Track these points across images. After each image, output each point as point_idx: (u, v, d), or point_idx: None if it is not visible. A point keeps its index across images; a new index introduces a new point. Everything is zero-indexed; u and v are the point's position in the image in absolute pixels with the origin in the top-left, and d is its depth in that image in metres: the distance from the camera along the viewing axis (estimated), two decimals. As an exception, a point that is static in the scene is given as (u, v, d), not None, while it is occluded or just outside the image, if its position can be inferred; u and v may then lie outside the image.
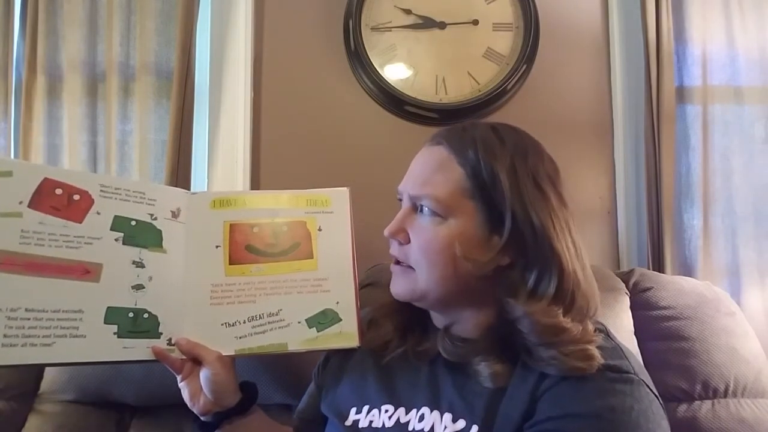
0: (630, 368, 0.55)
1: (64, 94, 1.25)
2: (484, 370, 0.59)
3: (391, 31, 1.32)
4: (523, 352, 0.58)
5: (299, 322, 0.75)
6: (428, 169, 0.64)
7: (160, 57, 1.28)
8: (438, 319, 0.68)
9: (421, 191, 0.63)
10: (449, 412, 0.59)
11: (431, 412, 0.61)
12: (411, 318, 0.71)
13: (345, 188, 0.82)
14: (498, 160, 0.60)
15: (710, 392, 0.98)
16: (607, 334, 0.62)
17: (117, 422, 0.99)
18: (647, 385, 0.55)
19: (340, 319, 0.76)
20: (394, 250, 0.67)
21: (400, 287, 0.66)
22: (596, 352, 0.55)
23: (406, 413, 0.63)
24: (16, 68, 1.24)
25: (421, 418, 0.61)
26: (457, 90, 1.32)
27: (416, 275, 0.64)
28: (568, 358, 0.54)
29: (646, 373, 0.58)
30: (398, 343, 0.70)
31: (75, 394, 0.97)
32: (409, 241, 0.64)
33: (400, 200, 0.68)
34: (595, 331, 0.59)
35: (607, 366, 0.54)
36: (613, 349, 0.58)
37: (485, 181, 0.60)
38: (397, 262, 0.67)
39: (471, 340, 0.63)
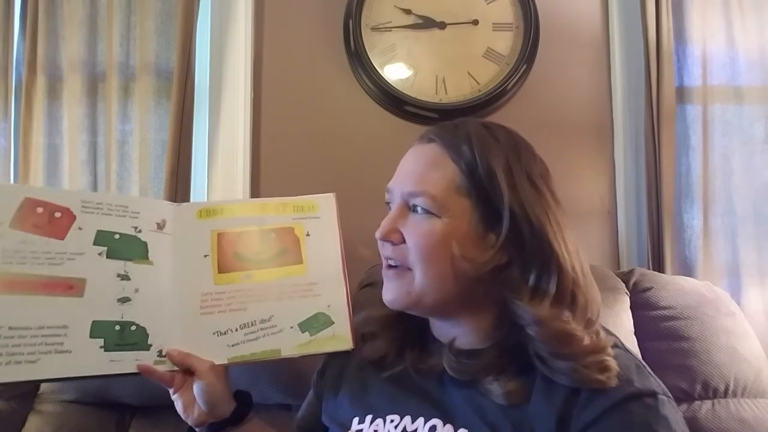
0: (659, 388, 0.55)
1: (64, 94, 1.25)
2: (497, 389, 0.57)
3: (391, 31, 1.32)
4: (538, 362, 0.56)
5: (291, 327, 0.74)
6: (421, 166, 0.62)
7: (160, 57, 1.28)
8: (438, 329, 0.66)
9: (414, 189, 0.60)
10: (464, 427, 0.58)
11: (444, 425, 0.59)
12: (407, 332, 0.68)
13: (331, 194, 0.83)
14: (494, 156, 0.59)
15: (710, 392, 0.98)
16: (625, 349, 0.60)
17: (117, 422, 0.99)
18: (669, 398, 0.55)
19: (333, 322, 0.75)
20: (387, 251, 0.63)
21: (394, 292, 0.63)
22: (613, 363, 0.54)
23: (413, 422, 0.61)
24: (16, 68, 1.24)
25: (433, 429, 0.59)
26: (457, 90, 1.32)
27: (412, 276, 0.61)
28: (588, 371, 0.53)
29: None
30: (396, 359, 0.68)
31: (75, 394, 0.98)
32: (402, 241, 0.61)
33: (388, 204, 0.65)
34: (613, 346, 0.58)
35: (642, 392, 0.53)
36: (638, 368, 0.57)
37: (481, 178, 0.58)
38: (390, 267, 0.64)
39: (477, 353, 0.60)
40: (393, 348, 0.69)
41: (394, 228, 0.62)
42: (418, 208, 0.60)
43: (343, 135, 1.34)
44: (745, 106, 1.33)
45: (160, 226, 0.76)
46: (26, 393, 0.98)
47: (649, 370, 0.58)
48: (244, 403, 0.74)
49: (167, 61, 1.28)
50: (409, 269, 0.61)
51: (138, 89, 1.26)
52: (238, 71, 1.32)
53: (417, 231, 0.60)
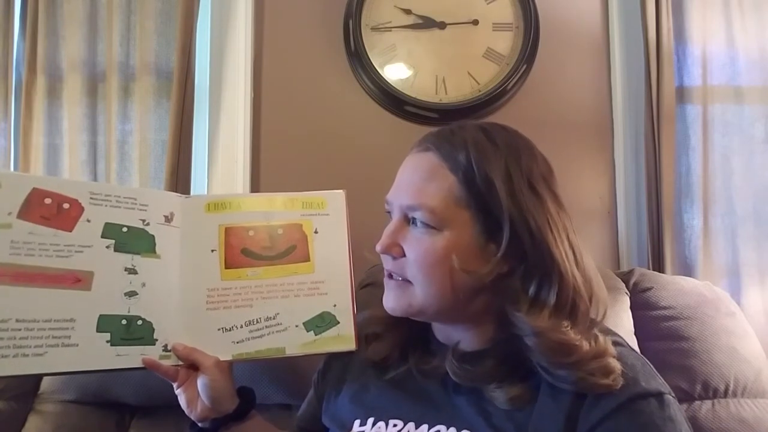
0: (664, 388, 0.55)
1: (64, 94, 1.25)
2: (501, 396, 0.57)
3: (391, 31, 1.32)
4: (541, 371, 0.55)
5: (297, 326, 0.74)
6: (418, 178, 0.60)
7: (160, 57, 1.28)
8: (442, 332, 0.66)
9: (412, 202, 0.59)
10: (468, 430, 0.58)
11: (448, 429, 0.59)
12: (411, 333, 0.68)
13: (341, 190, 0.81)
14: (491, 163, 0.57)
15: (710, 392, 0.98)
16: (628, 346, 0.60)
17: (117, 422, 0.99)
18: (673, 397, 0.55)
19: (338, 322, 0.75)
20: (388, 264, 0.63)
21: (394, 302, 0.62)
22: (616, 363, 0.54)
23: (416, 428, 0.61)
24: (16, 68, 1.24)
25: None
26: (457, 90, 1.32)
27: (413, 289, 0.60)
28: (593, 378, 0.53)
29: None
30: (399, 360, 0.68)
31: (75, 394, 0.98)
32: (403, 255, 0.61)
33: (389, 213, 0.64)
34: (615, 344, 0.57)
35: (648, 392, 0.53)
36: (643, 366, 0.57)
37: (479, 188, 0.57)
38: (391, 276, 0.63)
39: (481, 355, 0.60)
40: (396, 350, 0.68)
41: (395, 242, 0.61)
42: (418, 222, 0.60)
43: (343, 135, 1.34)
44: (745, 106, 1.33)
45: (168, 219, 0.75)
46: (26, 393, 0.98)
47: (651, 365, 0.58)
48: (247, 400, 0.74)
49: (167, 61, 1.28)
50: (410, 282, 0.61)
51: (138, 89, 1.26)
52: (238, 71, 1.32)
53: (418, 247, 0.60)
